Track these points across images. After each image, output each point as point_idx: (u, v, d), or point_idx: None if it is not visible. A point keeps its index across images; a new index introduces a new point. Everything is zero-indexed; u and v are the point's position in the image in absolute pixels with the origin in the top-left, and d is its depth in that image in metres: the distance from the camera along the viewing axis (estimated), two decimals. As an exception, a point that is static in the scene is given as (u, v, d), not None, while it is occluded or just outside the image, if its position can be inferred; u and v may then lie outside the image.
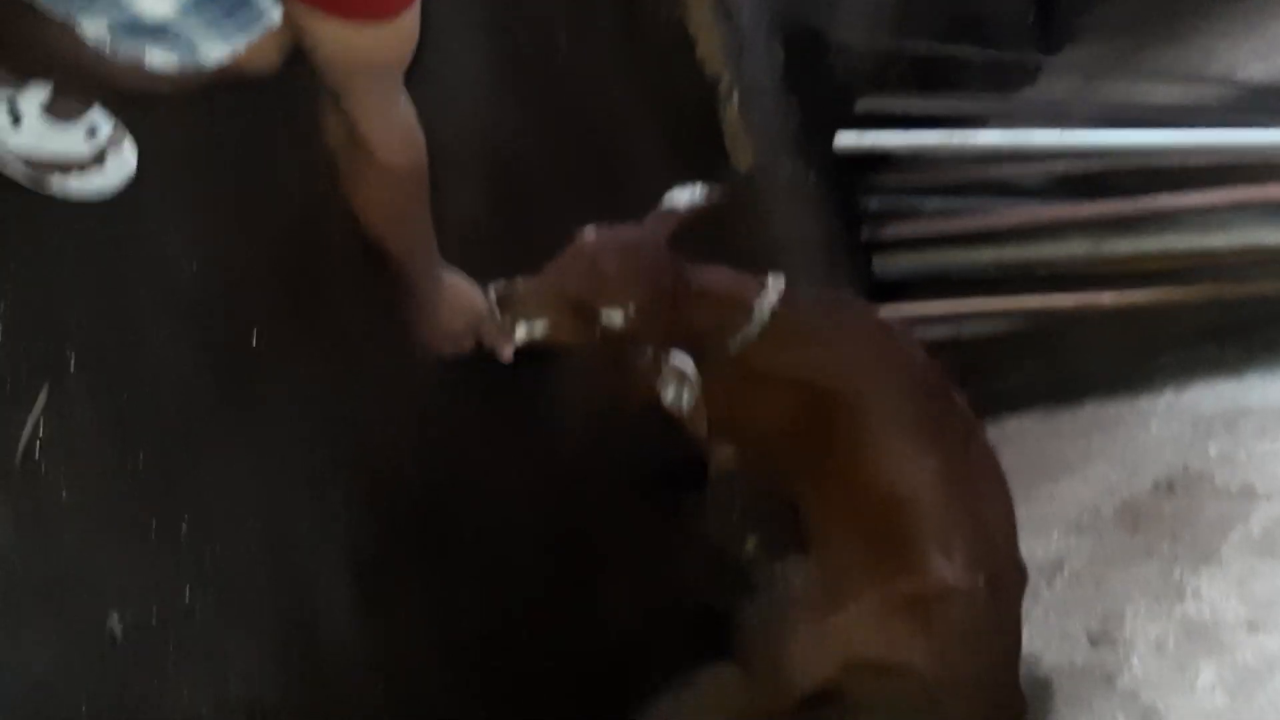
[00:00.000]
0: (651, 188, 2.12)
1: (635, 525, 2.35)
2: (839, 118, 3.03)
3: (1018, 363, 3.12)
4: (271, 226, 1.85)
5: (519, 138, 2.25)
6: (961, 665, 2.05)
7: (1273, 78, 3.12)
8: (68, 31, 1.26)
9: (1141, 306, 2.89)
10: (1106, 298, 2.90)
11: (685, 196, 2.05)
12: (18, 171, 1.60)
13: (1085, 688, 2.25)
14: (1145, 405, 2.88)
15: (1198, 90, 3.12)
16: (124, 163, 1.70)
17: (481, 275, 1.90)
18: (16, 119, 1.56)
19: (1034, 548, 2.55)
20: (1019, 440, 2.93)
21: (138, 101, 1.52)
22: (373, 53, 1.26)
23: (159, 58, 1.26)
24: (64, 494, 1.62)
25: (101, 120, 1.66)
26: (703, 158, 2.60)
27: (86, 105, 1.64)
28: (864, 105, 3.09)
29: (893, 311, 3.02)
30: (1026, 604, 2.19)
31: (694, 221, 2.04)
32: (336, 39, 1.21)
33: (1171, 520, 2.53)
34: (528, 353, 1.97)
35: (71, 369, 1.64)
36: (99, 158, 1.66)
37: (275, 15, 1.26)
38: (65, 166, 1.63)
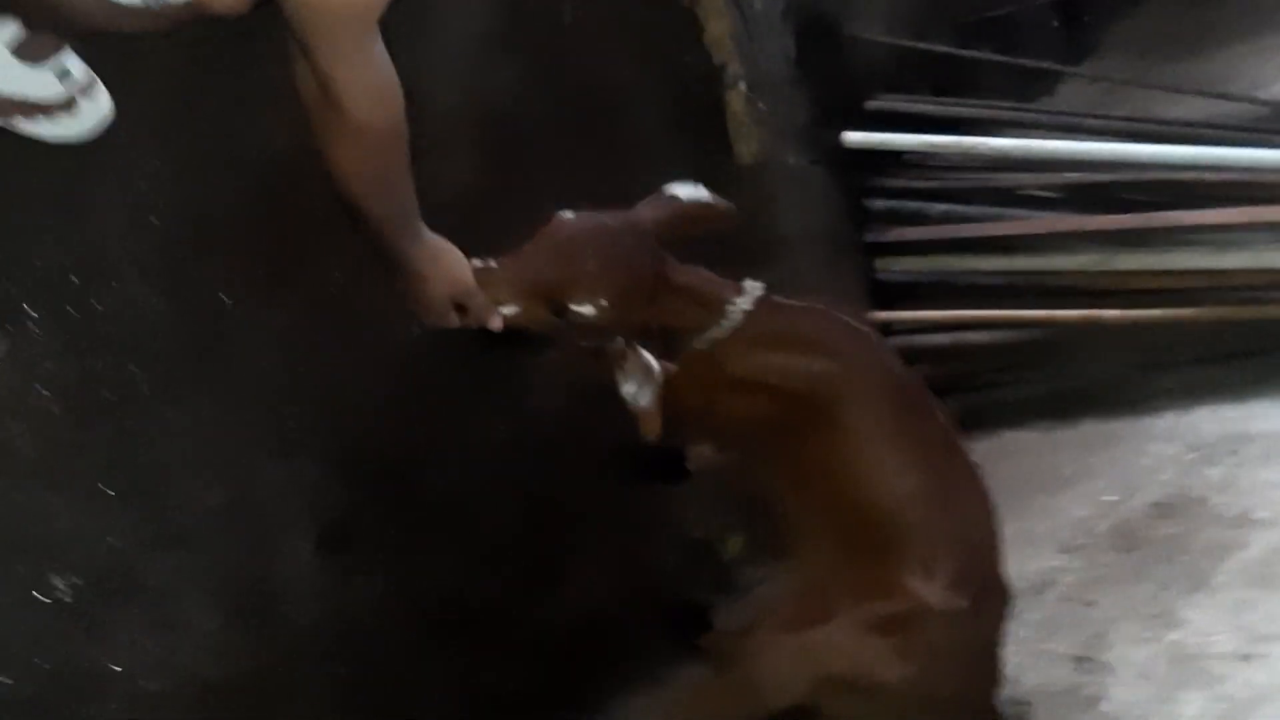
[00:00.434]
0: (647, 170, 2.07)
1: (613, 508, 2.30)
2: (849, 114, 2.97)
3: (1018, 375, 3.05)
4: (247, 178, 1.80)
5: (514, 104, 2.19)
6: (939, 687, 1.99)
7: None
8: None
9: (1148, 324, 2.82)
10: (1112, 313, 2.83)
11: (686, 190, 1.99)
12: (-14, 110, 1.55)
13: (1066, 711, 2.19)
14: (1146, 425, 2.82)
15: (1219, 107, 3.05)
16: (98, 109, 1.65)
17: (471, 245, 1.84)
18: (-14, 59, 1.51)
19: (1023, 564, 2.49)
20: (1015, 453, 2.88)
21: (109, 41, 1.46)
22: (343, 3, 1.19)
23: (123, -9, 1.20)
24: (16, 450, 1.57)
25: (74, 64, 1.61)
26: (704, 145, 2.54)
27: (57, 47, 1.59)
28: (875, 104, 3.03)
29: (893, 316, 2.97)
30: (1012, 621, 2.14)
31: (687, 221, 1.98)
32: None
33: (1166, 544, 2.47)
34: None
35: (33, 318, 1.60)
36: (71, 103, 1.61)
37: (244, -46, 1.20)
38: (34, 109, 1.58)
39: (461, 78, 2.10)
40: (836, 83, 2.97)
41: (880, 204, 3.06)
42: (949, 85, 3.19)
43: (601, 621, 2.23)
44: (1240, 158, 2.77)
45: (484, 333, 1.89)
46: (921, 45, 3.18)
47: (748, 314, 1.95)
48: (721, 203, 2.01)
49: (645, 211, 1.95)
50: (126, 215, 1.69)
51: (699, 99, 2.56)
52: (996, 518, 2.09)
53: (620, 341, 1.89)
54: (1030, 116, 3.17)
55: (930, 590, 1.96)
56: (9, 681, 1.55)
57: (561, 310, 1.85)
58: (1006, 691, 2.14)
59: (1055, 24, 3.75)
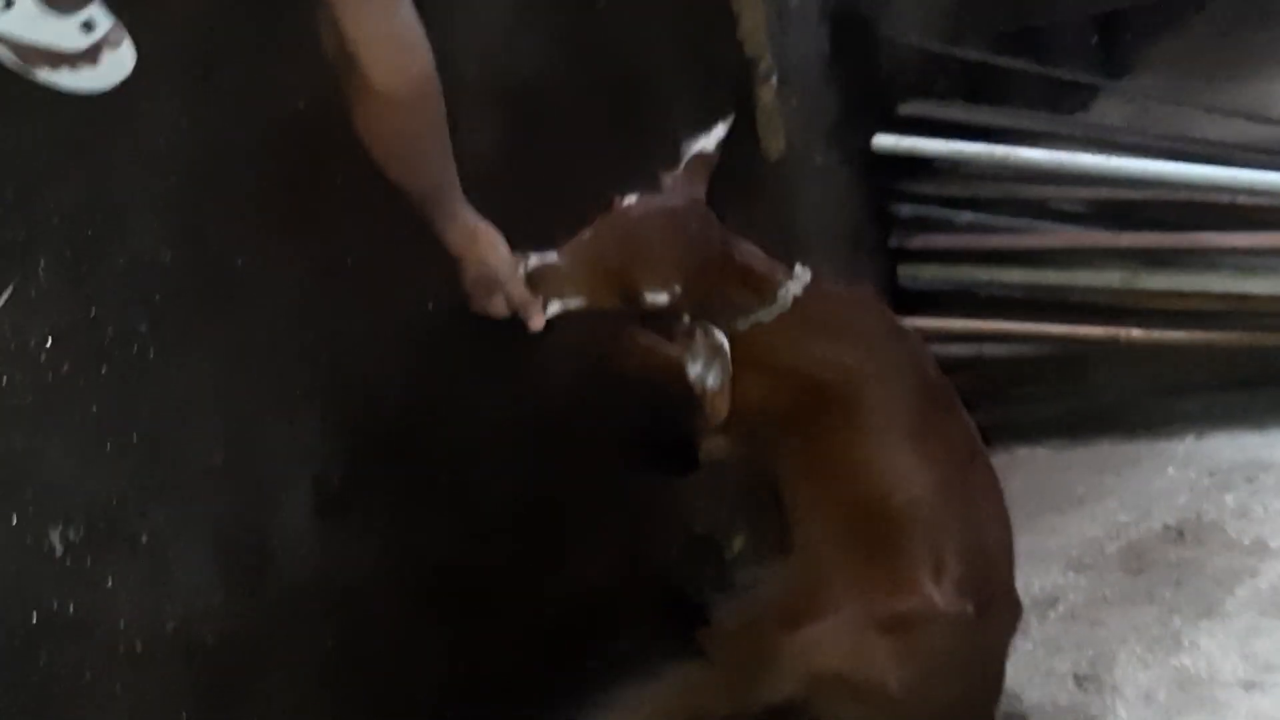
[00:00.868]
0: (673, 156, 2.03)
1: (618, 494, 2.28)
2: (880, 117, 2.94)
3: (1037, 390, 3.02)
4: (268, 135, 1.77)
5: (543, 82, 2.17)
6: (937, 693, 1.96)
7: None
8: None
9: (1171, 345, 2.79)
10: (1136, 332, 2.79)
11: (711, 138, 1.95)
12: (9, 59, 1.54)
13: (1066, 729, 2.16)
14: (1164, 448, 2.79)
15: (1255, 130, 3.01)
16: (120, 62, 1.62)
17: (490, 220, 1.82)
18: (9, 3, 1.49)
19: (1030, 580, 2.47)
20: (1029, 469, 2.85)
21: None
22: None
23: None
24: (16, 397, 1.56)
25: (100, 15, 1.59)
26: (731, 137, 2.51)
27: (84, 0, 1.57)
28: (908, 108, 3.00)
29: (914, 324, 2.94)
30: (1016, 637, 2.11)
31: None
32: None
33: (1177, 567, 2.44)
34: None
35: (42, 266, 1.58)
36: (94, 54, 1.59)
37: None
38: (56, 59, 1.56)
39: (491, 53, 2.09)
40: (869, 84, 2.94)
41: (907, 209, 3.03)
42: (983, 93, 3.15)
43: (598, 606, 2.22)
44: (1274, 182, 2.74)
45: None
46: (957, 51, 3.14)
47: (796, 299, 1.93)
48: (729, 123, 1.99)
49: (691, 179, 1.92)
50: (144, 168, 1.68)
51: (729, 91, 2.54)
52: (1011, 529, 2.06)
53: (686, 321, 1.86)
54: (1063, 129, 3.14)
55: (937, 592, 1.93)
56: (-4, 630, 1.53)
57: (634, 299, 1.82)
58: (1006, 706, 2.11)
59: (1094, 39, 3.71)
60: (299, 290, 1.83)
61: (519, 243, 1.82)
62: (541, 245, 1.82)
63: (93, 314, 1.62)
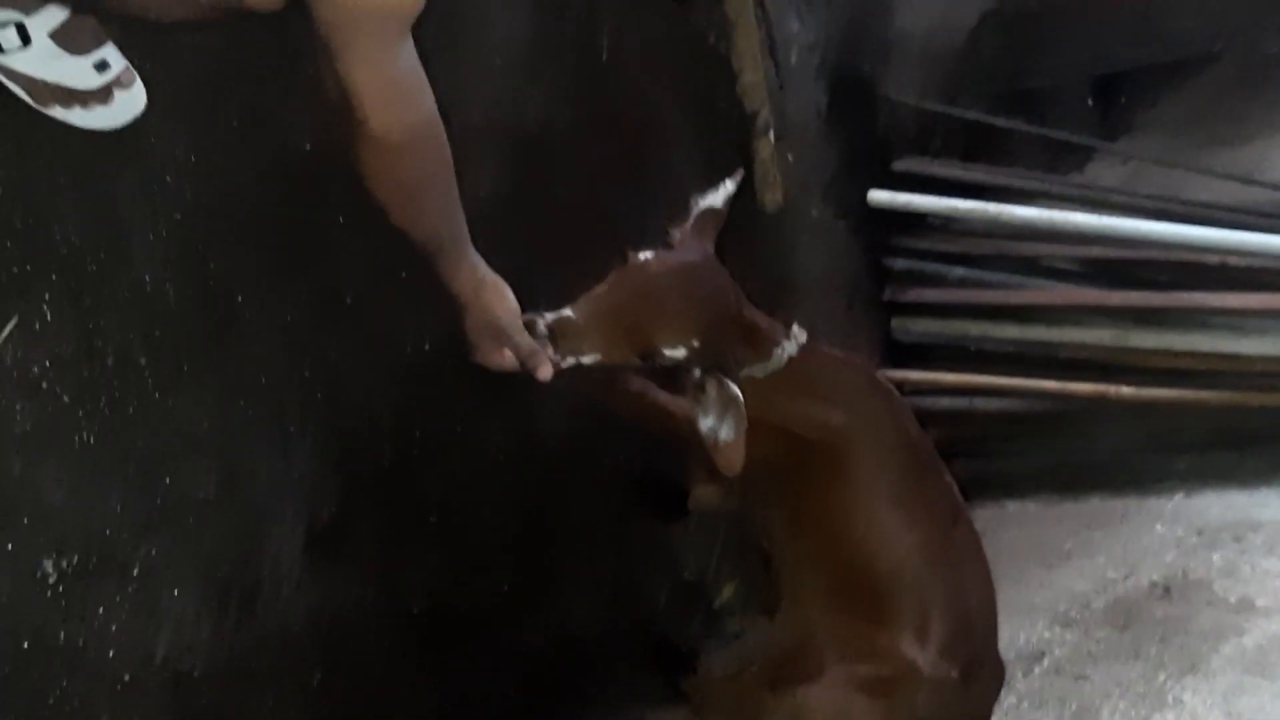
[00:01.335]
0: (671, 206, 2.07)
1: (608, 537, 2.29)
2: (876, 173, 2.98)
3: (1027, 444, 3.05)
4: (271, 175, 1.81)
5: (545, 131, 2.21)
6: (919, 756, 1.97)
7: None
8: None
9: (1160, 403, 2.81)
10: (1126, 390, 2.82)
11: (719, 197, 1.97)
12: (22, 94, 1.58)
13: (1048, 784, 2.16)
14: (1152, 505, 2.80)
15: (1248, 193, 3.05)
16: (132, 102, 1.67)
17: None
18: (26, 41, 1.54)
19: (1017, 634, 2.48)
20: (1018, 523, 2.87)
21: (147, 31, 1.48)
22: (380, 1, 1.19)
23: (162, -21, 1.22)
24: (15, 426, 1.58)
25: (113, 57, 1.63)
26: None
27: (99, 39, 1.61)
28: (904, 164, 3.04)
29: (907, 376, 2.97)
30: (1001, 692, 2.12)
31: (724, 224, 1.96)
32: None
33: (1163, 624, 2.45)
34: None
35: (46, 298, 1.61)
36: (106, 93, 1.64)
37: (280, -53, 1.22)
38: (70, 97, 1.61)
39: (495, 100, 2.13)
40: (865, 140, 2.99)
41: (901, 263, 3.07)
42: (979, 151, 3.20)
43: (585, 649, 2.22)
44: (1265, 244, 2.77)
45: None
46: (954, 111, 3.19)
47: (790, 359, 1.94)
48: (738, 177, 2.00)
49: (700, 234, 1.93)
50: (150, 203, 1.71)
51: (728, 143, 2.58)
52: (994, 591, 2.08)
53: (697, 374, 1.86)
54: (1057, 189, 3.18)
55: (921, 655, 1.94)
56: (-14, 657, 1.55)
57: (651, 355, 1.82)
58: (989, 760, 2.11)
59: (1090, 101, 3.76)
60: (296, 327, 1.86)
61: (522, 290, 1.83)
62: (544, 293, 1.83)
63: (94, 346, 1.65)
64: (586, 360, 1.80)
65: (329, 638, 1.89)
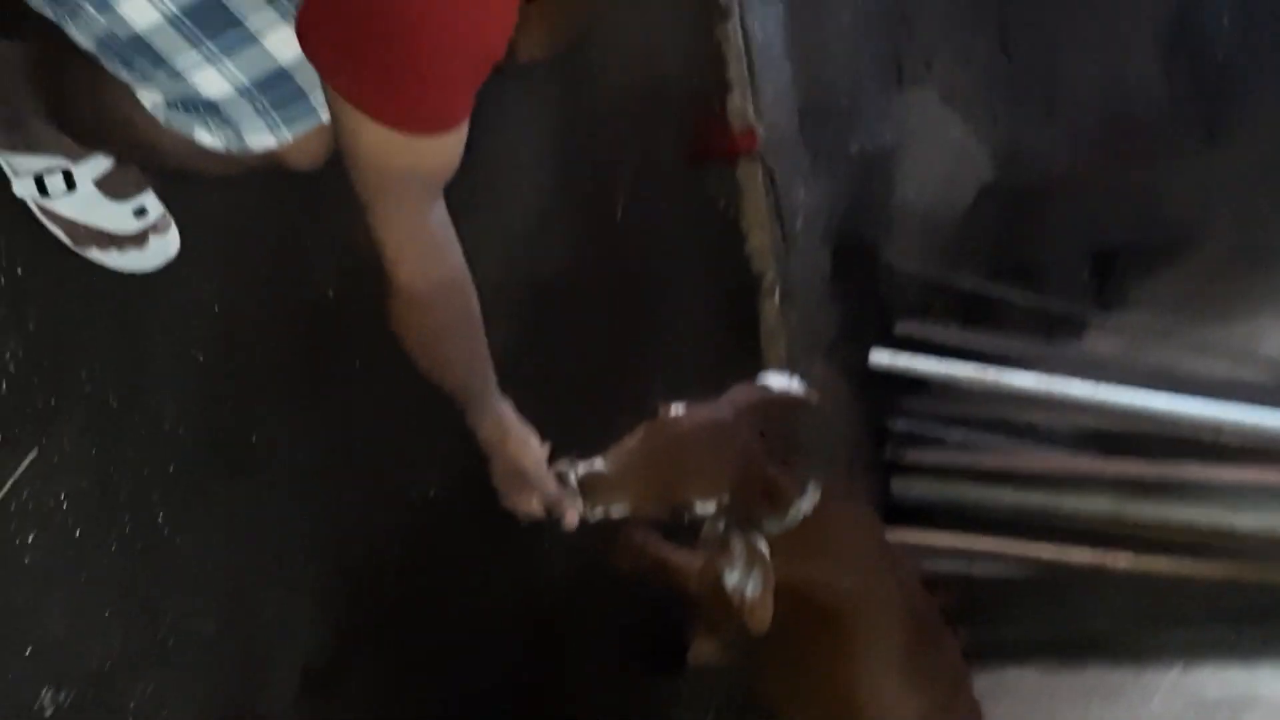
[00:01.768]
0: (678, 361, 2.13)
1: (603, 686, 2.27)
2: (877, 334, 3.05)
3: (1025, 611, 3.02)
4: (294, 318, 1.88)
5: (565, 285, 2.29)
6: None
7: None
8: (132, 102, 1.30)
9: (1158, 575, 2.81)
10: (1123, 560, 2.82)
11: (779, 382, 2.00)
12: (62, 236, 1.64)
13: None
14: (1150, 679, 2.78)
15: (1241, 368, 3.11)
16: (165, 247, 1.74)
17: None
18: (71, 186, 1.61)
19: (1013, 804, 2.44)
20: (1015, 692, 2.83)
21: (186, 180, 1.55)
22: (413, 164, 1.22)
23: (207, 137, 1.30)
24: (26, 558, 1.60)
25: (152, 203, 1.71)
26: (735, 346, 2.62)
27: (139, 186, 1.69)
28: (905, 328, 3.11)
29: (905, 537, 2.98)
30: None
31: (775, 410, 1.97)
32: (377, 143, 1.18)
33: (1161, 801, 2.41)
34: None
35: (67, 433, 1.65)
36: (142, 238, 1.71)
37: (325, 115, 1.29)
38: (107, 240, 1.67)
39: (518, 255, 2.20)
40: (867, 303, 3.07)
41: (901, 423, 3.11)
42: (978, 317, 3.28)
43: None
44: (1259, 418, 2.81)
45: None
46: (954, 279, 3.28)
47: (805, 517, 1.94)
48: (810, 392, 2.01)
49: (740, 398, 1.95)
50: (174, 347, 1.77)
51: (734, 302, 2.66)
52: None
53: (721, 528, 1.87)
54: (1054, 357, 3.24)
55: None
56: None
57: (683, 510, 1.84)
58: None
59: (1086, 274, 3.86)
60: (307, 471, 1.90)
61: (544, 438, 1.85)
62: (563, 440, 1.84)
63: (109, 481, 1.68)
64: (615, 513, 1.81)
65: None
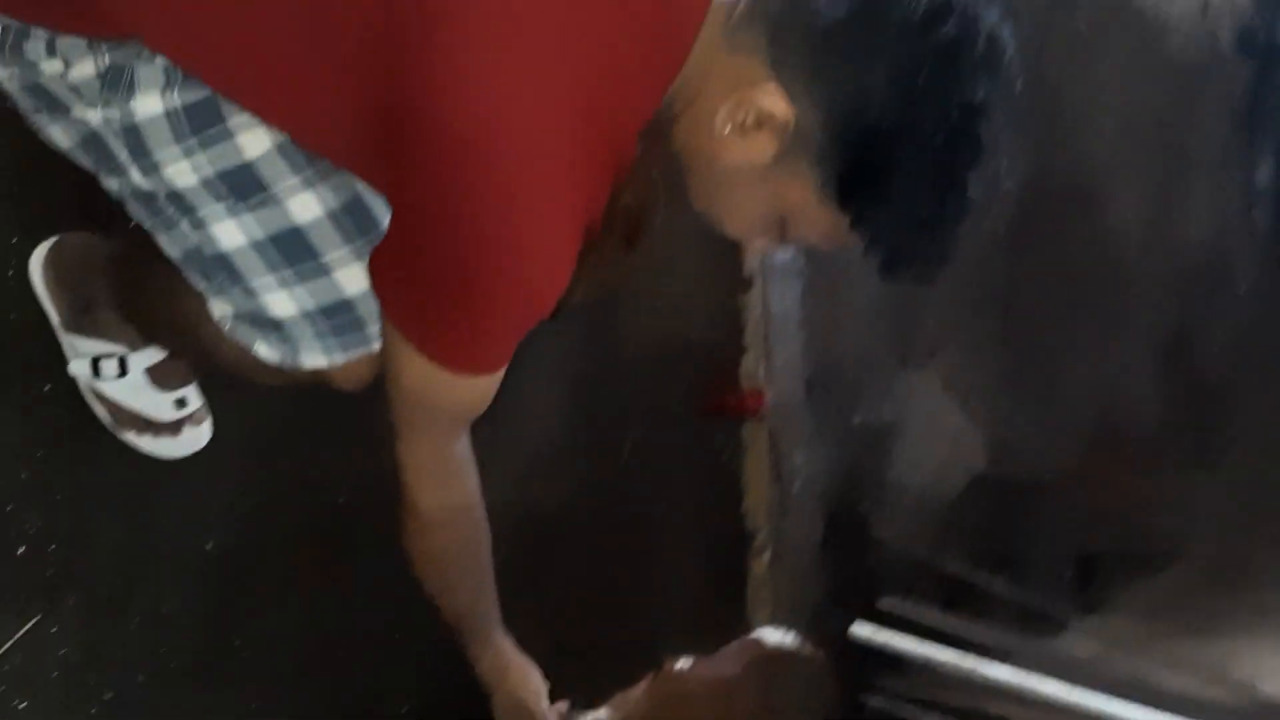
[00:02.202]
0: (664, 607, 2.17)
1: None
2: (861, 607, 3.09)
3: None
4: (303, 521, 1.94)
5: (559, 518, 2.35)
6: None
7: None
8: (201, 309, 1.41)
9: None
10: None
11: (775, 636, 1.99)
12: (103, 415, 1.73)
13: None
14: None
15: (1213, 687, 3.12)
16: (197, 437, 1.82)
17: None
18: (123, 372, 1.71)
19: None
20: None
21: (233, 383, 1.65)
22: (449, 398, 1.29)
23: (265, 350, 1.40)
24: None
25: (193, 395, 1.80)
26: (721, 600, 2.67)
27: (186, 380, 1.79)
28: (888, 604, 3.15)
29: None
30: None
31: (773, 666, 1.96)
32: (421, 375, 1.24)
33: None
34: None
35: (69, 605, 1.69)
36: (177, 427, 1.79)
37: (376, 345, 1.39)
38: (144, 425, 1.76)
39: (520, 484, 2.27)
40: (853, 574, 3.11)
41: (876, 700, 3.11)
42: (958, 601, 3.31)
43: None
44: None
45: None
46: (940, 562, 3.34)
47: None
48: (808, 649, 2.01)
49: (739, 653, 1.92)
50: (183, 537, 1.83)
51: (725, 557, 2.72)
52: None
53: None
54: (1031, 653, 3.26)
55: None
56: None
57: None
58: None
59: (1070, 574, 3.91)
60: (286, 678, 1.92)
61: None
62: (553, 676, 1.82)
63: (102, 659, 1.71)
64: None
65: None
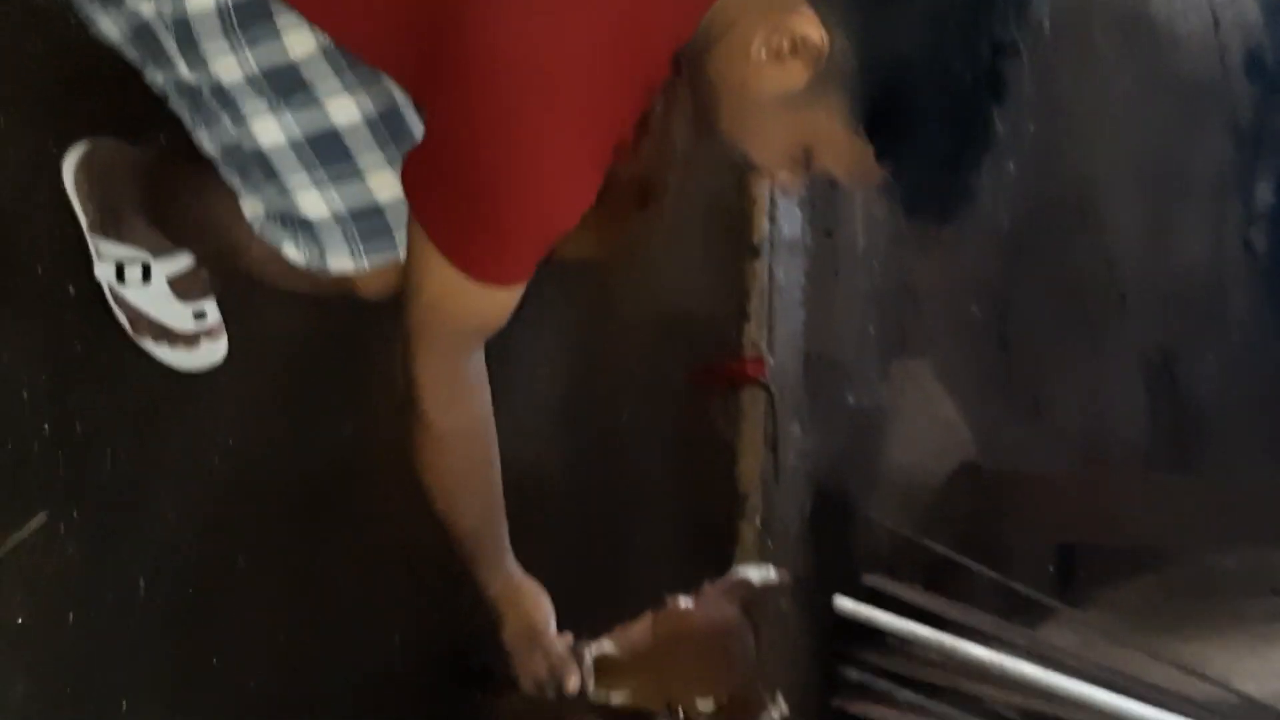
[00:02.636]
0: (651, 562, 2.20)
1: None
2: (845, 581, 3.12)
3: None
4: (309, 446, 1.96)
5: (557, 474, 2.38)
6: None
7: (1264, 696, 3.17)
8: (233, 209, 1.43)
9: None
10: None
11: (758, 574, 1.99)
12: (123, 321, 1.76)
13: None
14: None
15: (1188, 682, 3.17)
16: (213, 352, 1.85)
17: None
18: (147, 278, 1.74)
19: None
20: None
21: (248, 294, 1.67)
22: (467, 308, 1.31)
23: (293, 252, 1.42)
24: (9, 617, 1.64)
25: (211, 309, 1.83)
26: (711, 560, 2.70)
27: (206, 293, 1.81)
28: (872, 580, 3.19)
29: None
30: None
31: (754, 602, 1.96)
32: (442, 281, 1.27)
33: None
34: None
35: (76, 507, 1.72)
36: (195, 339, 1.82)
37: (402, 253, 1.41)
38: (162, 333, 1.79)
39: (523, 432, 2.30)
40: (840, 549, 3.16)
41: (854, 673, 3.14)
42: (942, 583, 3.36)
43: None
44: (1200, 733, 2.86)
45: (459, 668, 1.94)
46: (925, 542, 3.38)
47: None
48: (783, 573, 2.03)
49: (731, 593, 1.93)
50: (192, 448, 1.85)
51: (716, 519, 2.76)
52: None
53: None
54: (1010, 637, 3.30)
55: None
56: None
57: (684, 707, 1.80)
58: None
59: (1052, 567, 3.97)
60: (283, 602, 1.94)
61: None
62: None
63: (103, 561, 1.73)
64: (615, 700, 1.78)
65: None
